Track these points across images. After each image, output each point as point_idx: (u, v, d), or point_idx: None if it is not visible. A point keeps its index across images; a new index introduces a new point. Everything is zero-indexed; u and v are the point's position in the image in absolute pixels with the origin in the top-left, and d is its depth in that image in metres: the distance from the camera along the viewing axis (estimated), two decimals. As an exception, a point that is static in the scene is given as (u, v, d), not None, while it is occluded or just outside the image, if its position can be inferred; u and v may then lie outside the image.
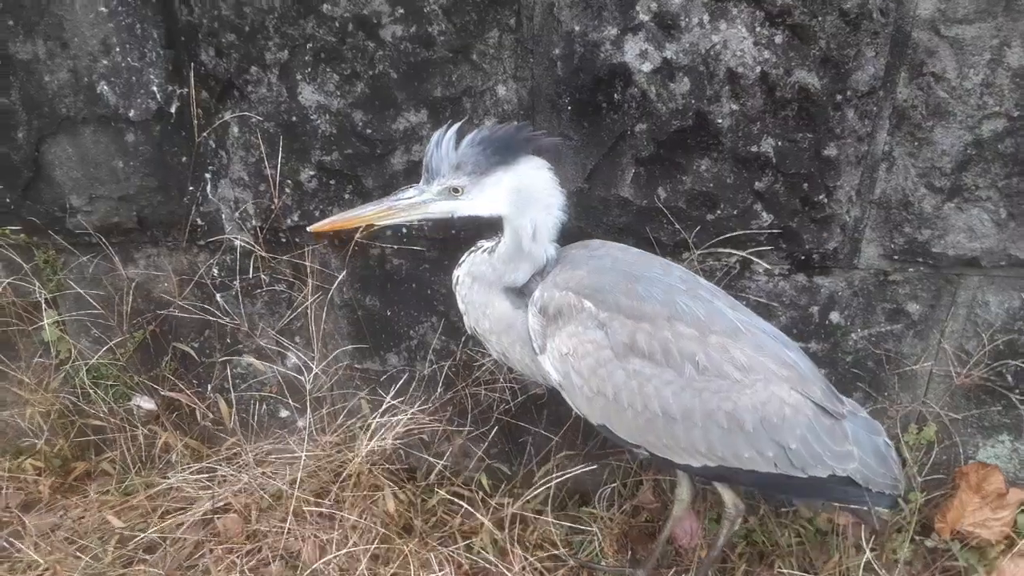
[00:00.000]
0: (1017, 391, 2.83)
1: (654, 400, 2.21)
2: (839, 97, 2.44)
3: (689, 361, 2.18)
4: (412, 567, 2.75)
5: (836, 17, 2.35)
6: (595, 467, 2.81)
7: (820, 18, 2.36)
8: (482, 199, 2.18)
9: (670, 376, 2.20)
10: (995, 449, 3.04)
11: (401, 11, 2.49)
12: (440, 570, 2.80)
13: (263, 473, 3.10)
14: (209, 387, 3.26)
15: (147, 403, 3.28)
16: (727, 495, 2.61)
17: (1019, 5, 2.28)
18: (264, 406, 3.29)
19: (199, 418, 3.26)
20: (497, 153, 2.12)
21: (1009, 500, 2.99)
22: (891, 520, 3.02)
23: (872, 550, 2.79)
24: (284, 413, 3.32)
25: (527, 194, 2.19)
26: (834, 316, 2.84)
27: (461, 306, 2.35)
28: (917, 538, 3.03)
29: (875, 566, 2.81)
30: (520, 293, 2.33)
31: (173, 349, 3.22)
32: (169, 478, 3.16)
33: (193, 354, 3.22)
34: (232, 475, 3.09)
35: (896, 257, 2.69)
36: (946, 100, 2.42)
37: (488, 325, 2.33)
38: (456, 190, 2.17)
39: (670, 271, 2.33)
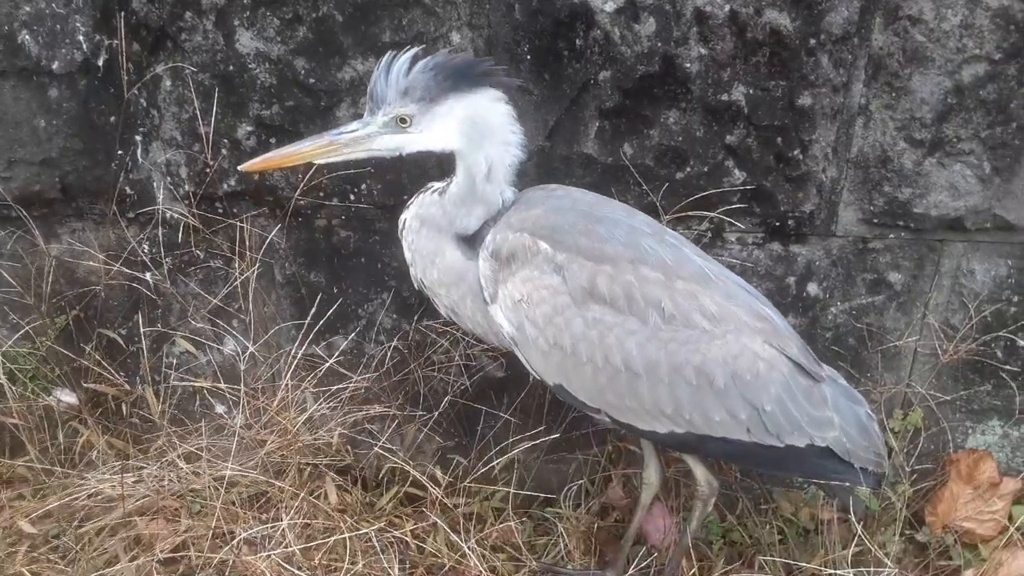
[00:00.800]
0: (1008, 366, 2.66)
1: (616, 353, 1.99)
2: (812, 42, 2.31)
3: (654, 308, 1.98)
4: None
5: (807, -46, 2.24)
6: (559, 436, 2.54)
7: (791, -45, 2.24)
8: (432, 131, 1.98)
9: (633, 325, 1.98)
10: (985, 436, 2.86)
11: (347, -52, 2.33)
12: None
13: (192, 471, 2.80)
14: (137, 378, 2.97)
15: (68, 396, 2.98)
16: (699, 470, 2.38)
17: (996, -59, 2.19)
18: (197, 399, 3.01)
19: (125, 413, 2.96)
20: (450, 79, 1.93)
21: (1002, 491, 2.81)
22: (879, 512, 2.80)
23: (858, 546, 2.57)
24: (220, 408, 3.04)
25: (482, 126, 1.98)
26: (812, 288, 2.66)
27: (407, 255, 2.13)
28: (907, 532, 2.82)
29: (863, 562, 2.57)
30: (471, 242, 2.12)
31: (98, 336, 2.93)
32: (89, 479, 2.85)
33: (120, 341, 2.94)
34: (158, 474, 2.78)
35: (876, 220, 2.53)
36: (924, 44, 2.29)
37: (437, 276, 2.11)
38: (404, 121, 1.96)
39: (634, 215, 2.14)
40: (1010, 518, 2.80)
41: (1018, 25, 2.24)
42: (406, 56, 1.91)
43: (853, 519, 2.58)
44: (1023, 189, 2.43)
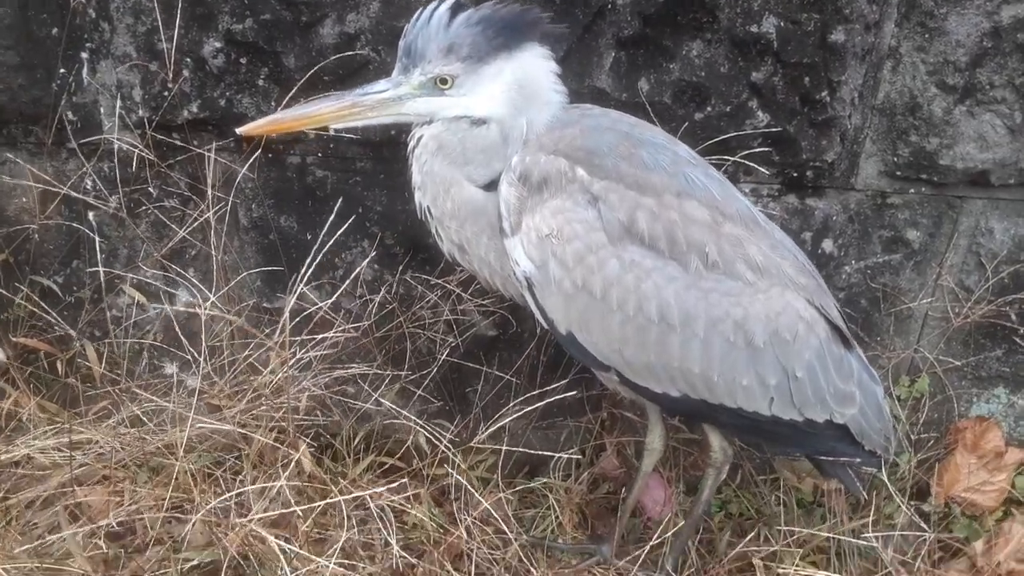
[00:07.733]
0: (1022, 329, 2.55)
1: (651, 301, 1.78)
2: (850, -29, 2.13)
3: (697, 253, 1.78)
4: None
5: None
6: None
7: None
8: (476, 95, 1.77)
9: (674, 271, 1.77)
10: (989, 405, 2.76)
11: None
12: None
13: (140, 436, 2.47)
14: (75, 333, 2.62)
15: (-7, 353, 2.61)
16: (713, 436, 2.20)
17: None
18: (145, 358, 2.68)
19: (60, 372, 2.61)
20: (499, 35, 1.70)
21: (1007, 461, 2.71)
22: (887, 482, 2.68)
23: (862, 518, 2.44)
24: (169, 369, 2.71)
25: (529, 90, 1.79)
26: (827, 244, 2.50)
27: (416, 178, 1.87)
28: (912, 503, 2.70)
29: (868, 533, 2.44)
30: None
31: (31, 283, 2.57)
32: (18, 446, 2.50)
33: (57, 290, 2.59)
34: (100, 439, 2.45)
35: (899, 173, 2.39)
36: (966, -21, 2.15)
37: (451, 207, 1.86)
38: (444, 81, 1.74)
39: (676, 143, 1.94)
40: (1013, 487, 2.72)
41: (1063, -36, 2.12)
42: (446, 5, 1.68)
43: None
44: (1052, 143, 2.32)
